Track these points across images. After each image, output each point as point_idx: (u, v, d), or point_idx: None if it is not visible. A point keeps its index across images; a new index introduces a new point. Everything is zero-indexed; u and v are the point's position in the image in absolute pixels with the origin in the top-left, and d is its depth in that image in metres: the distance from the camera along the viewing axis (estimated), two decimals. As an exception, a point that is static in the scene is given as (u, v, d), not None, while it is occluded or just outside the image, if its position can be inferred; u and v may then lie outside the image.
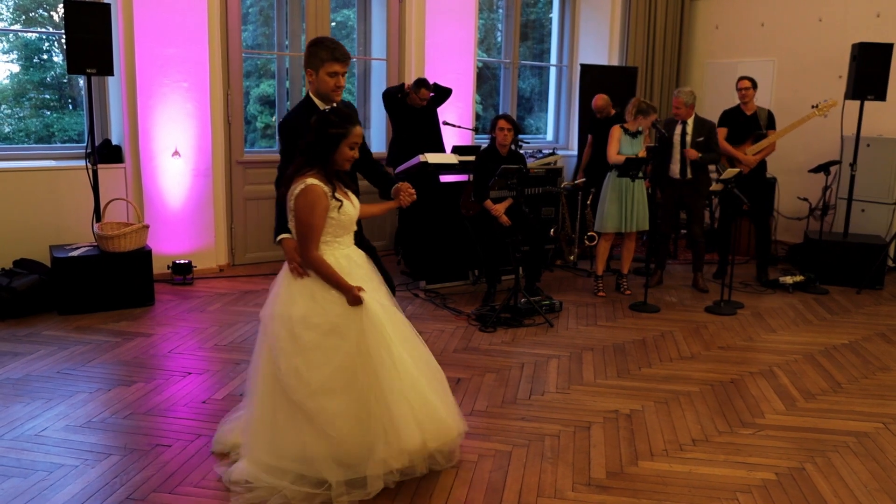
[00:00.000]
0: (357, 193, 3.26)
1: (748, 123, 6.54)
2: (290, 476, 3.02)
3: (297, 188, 3.00)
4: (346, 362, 3.00)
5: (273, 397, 3.07)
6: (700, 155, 6.10)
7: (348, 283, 3.02)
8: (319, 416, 2.97)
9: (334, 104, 3.41)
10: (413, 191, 3.40)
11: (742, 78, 6.56)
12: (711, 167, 6.57)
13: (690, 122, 6.22)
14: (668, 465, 3.38)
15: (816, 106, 6.46)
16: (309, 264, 3.05)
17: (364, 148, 3.55)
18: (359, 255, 3.22)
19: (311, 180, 2.99)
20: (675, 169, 6.25)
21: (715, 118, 6.86)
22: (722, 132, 6.61)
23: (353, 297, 3.00)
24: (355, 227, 3.23)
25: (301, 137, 3.19)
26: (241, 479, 3.06)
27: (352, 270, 3.10)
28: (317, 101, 3.46)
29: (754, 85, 6.54)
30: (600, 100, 7.23)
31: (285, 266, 3.16)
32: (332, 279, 3.03)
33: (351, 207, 3.13)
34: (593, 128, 7.37)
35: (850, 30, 7.65)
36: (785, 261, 7.65)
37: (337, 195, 3.04)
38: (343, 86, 3.44)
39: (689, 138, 6.17)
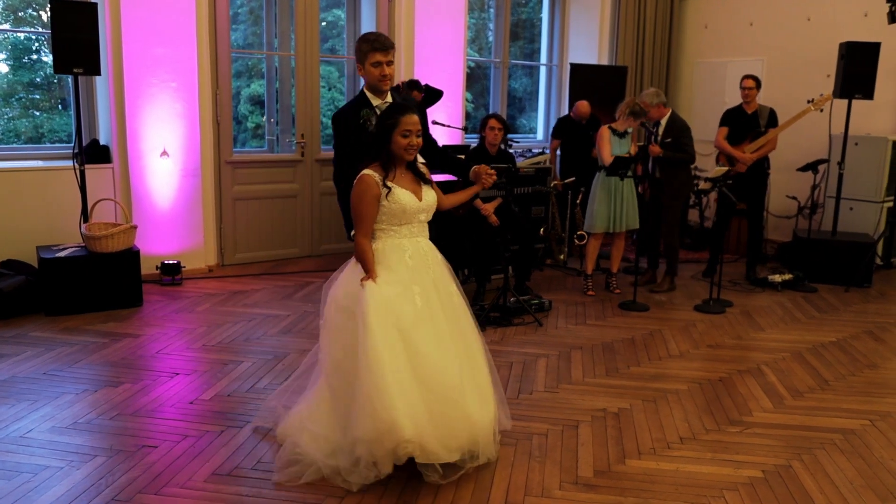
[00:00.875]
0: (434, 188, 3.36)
1: (749, 122, 6.55)
2: (330, 447, 3.15)
3: (355, 179, 3.18)
4: (352, 343, 3.08)
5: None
6: (661, 152, 6.10)
7: (371, 268, 3.15)
8: (336, 392, 3.14)
9: (387, 98, 3.63)
10: (492, 171, 3.44)
11: (746, 77, 6.55)
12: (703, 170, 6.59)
13: (663, 121, 6.25)
14: (655, 463, 3.38)
15: (812, 101, 6.48)
16: (355, 247, 3.20)
17: (429, 139, 3.70)
18: (416, 249, 3.26)
19: (366, 171, 3.16)
20: (650, 166, 6.30)
21: (705, 117, 6.89)
22: (722, 132, 6.62)
23: (363, 281, 3.12)
24: (418, 219, 3.28)
25: (348, 129, 3.54)
26: (285, 435, 3.30)
27: (395, 259, 3.19)
28: (369, 94, 3.63)
29: (758, 84, 6.54)
30: (587, 107, 7.26)
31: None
32: (362, 261, 3.18)
33: (406, 196, 3.19)
34: (565, 132, 7.39)
35: (838, 29, 7.68)
36: (774, 259, 7.67)
37: (388, 182, 3.16)
38: (388, 74, 3.57)
39: (658, 137, 6.20)
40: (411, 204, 3.20)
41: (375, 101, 3.61)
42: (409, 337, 3.08)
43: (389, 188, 3.15)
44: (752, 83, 6.51)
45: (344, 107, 3.71)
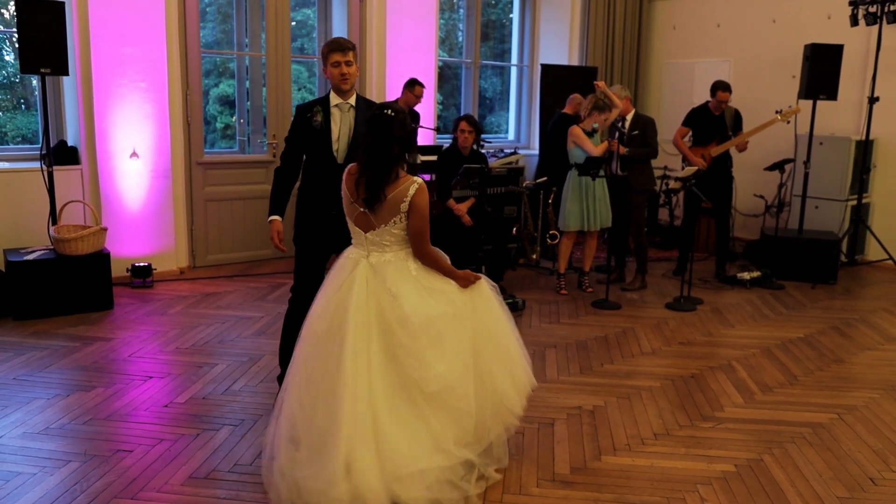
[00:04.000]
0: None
1: (715, 123, 6.61)
2: None
3: (412, 187, 3.01)
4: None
5: None
6: (626, 149, 6.17)
7: (463, 273, 3.18)
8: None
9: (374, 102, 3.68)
10: None
11: (724, 91, 6.46)
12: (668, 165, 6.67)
13: (629, 117, 6.34)
14: (630, 459, 3.43)
15: (780, 112, 6.56)
16: (427, 259, 3.12)
17: None
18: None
19: (417, 178, 3.07)
20: (613, 165, 6.36)
21: (674, 117, 6.97)
22: (682, 131, 6.69)
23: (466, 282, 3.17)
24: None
25: (299, 119, 3.70)
26: None
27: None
28: (333, 93, 3.75)
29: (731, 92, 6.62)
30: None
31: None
32: (447, 270, 3.16)
33: None
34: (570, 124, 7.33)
35: (803, 31, 7.82)
36: (742, 257, 7.80)
37: None
38: (347, 73, 3.67)
39: (625, 132, 6.27)
40: None
41: (336, 101, 3.72)
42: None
43: None
44: (728, 96, 6.48)
45: (309, 101, 3.86)
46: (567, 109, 7.07)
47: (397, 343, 2.96)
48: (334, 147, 3.71)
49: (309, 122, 3.71)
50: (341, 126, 3.72)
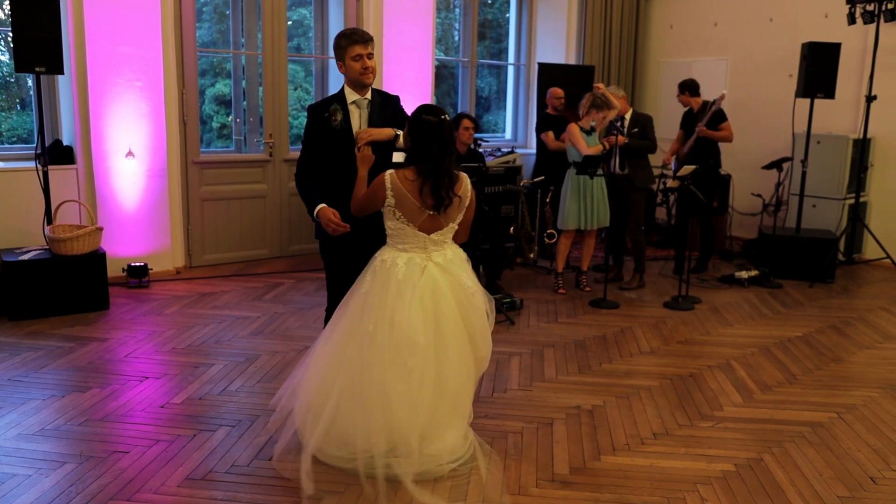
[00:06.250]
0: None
1: (695, 119, 6.73)
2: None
3: (466, 181, 3.28)
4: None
5: None
6: (626, 140, 6.17)
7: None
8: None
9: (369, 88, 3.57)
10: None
11: (682, 93, 6.80)
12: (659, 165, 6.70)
13: (627, 116, 6.37)
14: (630, 459, 3.41)
15: (713, 102, 6.65)
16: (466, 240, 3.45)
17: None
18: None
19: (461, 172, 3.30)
20: (613, 163, 6.35)
21: (671, 116, 6.98)
22: (679, 136, 6.76)
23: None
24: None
25: (314, 120, 3.49)
26: None
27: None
28: (348, 89, 3.55)
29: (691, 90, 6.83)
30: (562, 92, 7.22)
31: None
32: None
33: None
34: (553, 124, 7.32)
35: (800, 30, 7.82)
36: (740, 256, 7.79)
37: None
38: (370, 66, 3.49)
39: (625, 131, 6.28)
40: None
41: (353, 97, 3.52)
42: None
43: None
44: (686, 96, 6.80)
45: (321, 99, 3.67)
46: (549, 109, 7.13)
47: (474, 329, 3.27)
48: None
49: (327, 123, 3.48)
50: (361, 124, 3.51)
